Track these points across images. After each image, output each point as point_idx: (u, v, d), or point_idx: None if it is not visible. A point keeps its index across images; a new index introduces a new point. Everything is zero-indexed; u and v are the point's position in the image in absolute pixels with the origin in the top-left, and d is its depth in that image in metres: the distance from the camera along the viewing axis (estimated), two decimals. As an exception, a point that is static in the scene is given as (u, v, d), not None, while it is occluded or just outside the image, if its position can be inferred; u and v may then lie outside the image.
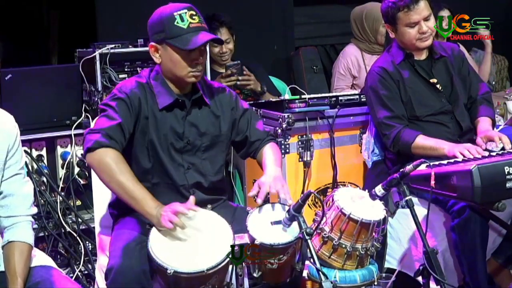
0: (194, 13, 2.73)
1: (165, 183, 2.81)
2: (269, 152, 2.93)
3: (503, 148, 3.14)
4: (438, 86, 3.47)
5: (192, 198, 2.62)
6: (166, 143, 2.79)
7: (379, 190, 2.78)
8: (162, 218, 2.51)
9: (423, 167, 2.81)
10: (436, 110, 3.43)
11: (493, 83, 5.56)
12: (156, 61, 2.78)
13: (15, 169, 2.51)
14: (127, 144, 2.72)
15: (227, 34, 4.32)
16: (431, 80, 3.47)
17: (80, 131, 3.84)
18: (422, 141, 3.28)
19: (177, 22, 2.69)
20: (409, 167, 2.68)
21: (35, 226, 3.34)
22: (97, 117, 2.77)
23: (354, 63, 4.71)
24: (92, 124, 2.76)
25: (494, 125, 3.46)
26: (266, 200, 2.82)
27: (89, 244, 3.80)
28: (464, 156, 3.05)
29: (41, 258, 2.59)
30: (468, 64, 3.62)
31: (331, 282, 2.39)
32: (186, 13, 2.70)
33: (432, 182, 2.73)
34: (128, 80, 2.89)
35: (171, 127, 2.79)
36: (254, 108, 3.76)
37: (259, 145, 2.97)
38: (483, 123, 3.38)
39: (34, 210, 2.58)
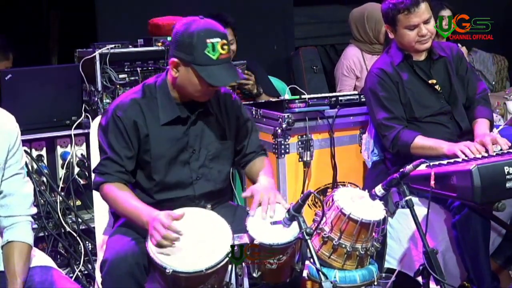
0: (225, 42, 2.64)
1: (170, 198, 2.80)
2: (260, 164, 2.92)
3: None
4: (436, 87, 3.47)
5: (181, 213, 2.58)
6: (171, 156, 2.77)
7: (379, 190, 2.78)
8: (152, 238, 2.50)
9: (423, 167, 2.81)
10: (435, 111, 3.43)
11: (493, 83, 5.57)
12: (172, 74, 2.71)
13: (16, 169, 2.52)
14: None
15: (231, 35, 4.32)
16: (430, 81, 3.47)
17: (80, 131, 3.84)
18: (421, 141, 3.28)
19: (208, 51, 2.60)
20: (409, 167, 2.67)
21: (35, 226, 3.34)
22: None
23: (356, 64, 4.69)
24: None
25: (492, 125, 3.46)
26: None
27: (89, 244, 3.80)
28: (464, 154, 3.05)
29: (41, 258, 2.59)
30: (467, 63, 3.62)
31: (331, 282, 2.39)
32: (218, 42, 2.61)
33: (432, 182, 2.73)
34: (123, 96, 2.84)
35: (175, 139, 2.77)
36: (254, 108, 3.78)
37: (251, 157, 2.96)
38: (480, 126, 3.38)
39: (34, 210, 2.58)
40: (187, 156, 2.80)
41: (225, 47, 2.64)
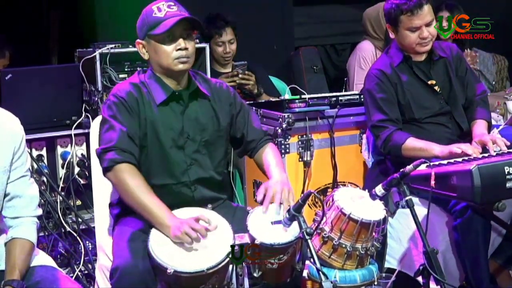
0: (172, 3, 2.76)
1: (166, 183, 2.80)
2: (270, 155, 2.92)
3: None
4: (436, 87, 3.47)
5: (205, 218, 2.58)
6: (166, 141, 2.79)
7: (379, 190, 2.79)
8: (182, 232, 2.49)
9: (423, 167, 2.81)
10: (434, 111, 3.43)
11: (493, 83, 5.56)
12: (144, 57, 2.81)
13: (21, 171, 2.53)
14: None
15: (232, 34, 4.32)
16: (429, 82, 3.47)
17: (80, 131, 3.84)
18: (412, 142, 3.28)
19: (155, 13, 2.74)
20: (409, 167, 2.68)
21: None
22: (101, 130, 2.75)
23: (370, 57, 4.65)
24: (100, 141, 2.75)
25: (490, 127, 3.47)
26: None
27: (89, 244, 3.80)
28: (461, 151, 3.05)
29: (42, 258, 2.60)
30: (466, 63, 3.62)
31: (331, 282, 2.39)
32: (163, 4, 2.75)
33: (432, 182, 2.73)
34: (122, 83, 2.89)
35: (169, 124, 2.79)
36: (254, 108, 3.78)
37: (256, 145, 2.96)
38: (479, 126, 3.38)
39: (40, 211, 2.60)
40: (182, 142, 2.81)
41: (173, 7, 2.75)
